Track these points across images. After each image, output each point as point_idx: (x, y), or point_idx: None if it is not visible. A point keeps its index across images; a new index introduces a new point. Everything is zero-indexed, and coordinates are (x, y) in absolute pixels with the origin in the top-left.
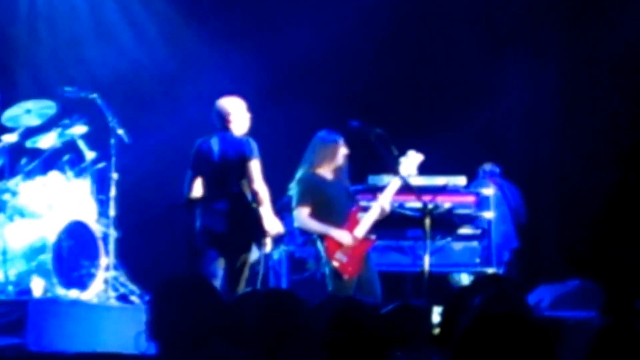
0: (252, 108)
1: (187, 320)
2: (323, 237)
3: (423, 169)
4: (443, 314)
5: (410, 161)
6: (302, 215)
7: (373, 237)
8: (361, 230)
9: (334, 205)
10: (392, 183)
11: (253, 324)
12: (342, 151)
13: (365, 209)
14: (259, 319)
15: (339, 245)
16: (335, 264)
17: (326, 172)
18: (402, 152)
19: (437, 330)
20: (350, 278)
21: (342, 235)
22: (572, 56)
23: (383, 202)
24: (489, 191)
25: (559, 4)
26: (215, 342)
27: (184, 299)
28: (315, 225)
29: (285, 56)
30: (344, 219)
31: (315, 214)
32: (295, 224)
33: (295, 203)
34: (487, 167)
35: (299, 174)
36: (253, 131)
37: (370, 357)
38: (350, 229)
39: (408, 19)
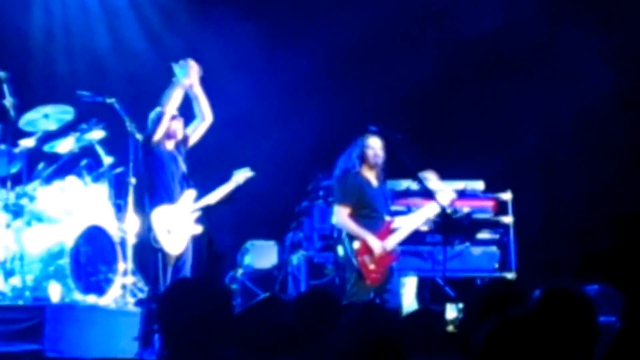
0: (272, 114)
1: (194, 324)
2: (354, 237)
3: (441, 174)
4: (462, 315)
5: (446, 195)
6: (342, 214)
7: (398, 250)
8: (392, 242)
9: (371, 210)
10: (430, 208)
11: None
12: (371, 151)
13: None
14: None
15: (369, 250)
16: (360, 264)
17: (369, 174)
18: (422, 158)
19: (451, 328)
20: (372, 284)
21: (375, 244)
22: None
23: (416, 223)
24: (507, 196)
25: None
26: (224, 348)
27: (191, 304)
28: (353, 227)
29: (310, 61)
30: (379, 225)
31: (352, 214)
32: (333, 220)
33: (337, 200)
34: None
35: (341, 172)
36: (282, 134)
37: None
38: (381, 238)
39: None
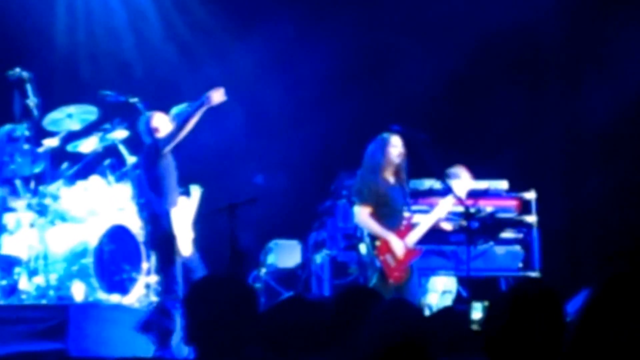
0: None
1: (221, 321)
2: (376, 236)
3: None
4: (487, 314)
5: (464, 183)
6: (363, 215)
7: (419, 248)
8: (412, 240)
9: (392, 209)
10: (446, 201)
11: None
12: (396, 151)
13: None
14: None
15: (390, 249)
16: (383, 263)
17: (390, 173)
18: (445, 157)
19: (475, 327)
20: (395, 283)
21: (396, 243)
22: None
23: (436, 218)
24: (531, 195)
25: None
26: (251, 346)
27: (217, 300)
28: (375, 227)
29: (333, 60)
30: (399, 223)
31: (373, 213)
32: (355, 220)
33: (358, 201)
34: None
35: (363, 172)
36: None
37: None
38: (401, 236)
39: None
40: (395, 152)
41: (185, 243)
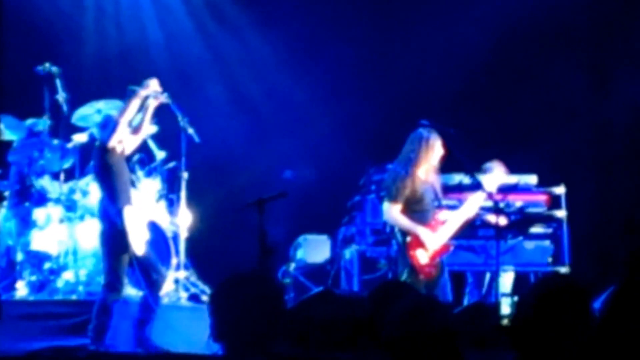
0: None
1: (247, 319)
2: (406, 232)
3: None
4: (515, 309)
5: (494, 178)
6: (393, 212)
7: (451, 243)
8: (443, 235)
9: (423, 206)
10: (476, 197)
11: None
12: (439, 153)
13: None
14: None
15: (422, 244)
16: (413, 259)
17: (422, 170)
18: (475, 152)
19: (505, 322)
20: (425, 279)
21: (428, 238)
22: None
23: (467, 214)
24: (560, 190)
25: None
26: (279, 342)
27: (244, 298)
28: (405, 222)
29: (361, 54)
30: (430, 219)
31: (404, 209)
32: (384, 217)
33: (389, 198)
34: None
35: (395, 168)
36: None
37: (446, 356)
38: (433, 231)
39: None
40: (433, 154)
41: (139, 241)
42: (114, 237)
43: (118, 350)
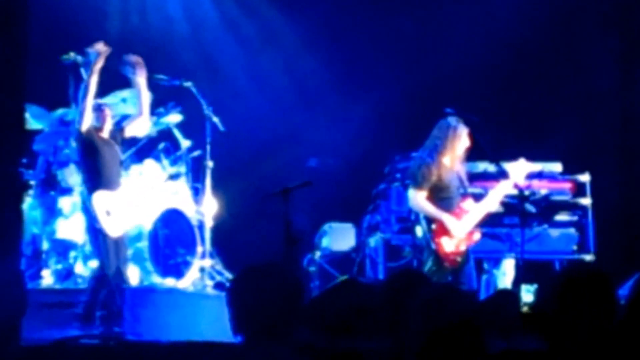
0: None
1: (266, 310)
2: (431, 219)
3: (518, 156)
4: (537, 296)
5: (520, 168)
6: (418, 198)
7: (478, 233)
8: (469, 223)
9: (448, 193)
10: (503, 186)
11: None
12: (466, 143)
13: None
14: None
15: (447, 232)
16: (438, 246)
17: (447, 159)
18: (499, 140)
19: (525, 309)
20: (450, 266)
21: (453, 225)
22: None
23: (493, 203)
24: (585, 177)
25: None
26: (300, 329)
27: (262, 289)
28: (431, 209)
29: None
30: (455, 206)
31: (429, 196)
32: (409, 204)
33: (414, 185)
34: None
35: (421, 155)
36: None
37: (470, 345)
38: (458, 218)
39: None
40: (459, 143)
41: (116, 224)
42: (90, 223)
43: (143, 339)
